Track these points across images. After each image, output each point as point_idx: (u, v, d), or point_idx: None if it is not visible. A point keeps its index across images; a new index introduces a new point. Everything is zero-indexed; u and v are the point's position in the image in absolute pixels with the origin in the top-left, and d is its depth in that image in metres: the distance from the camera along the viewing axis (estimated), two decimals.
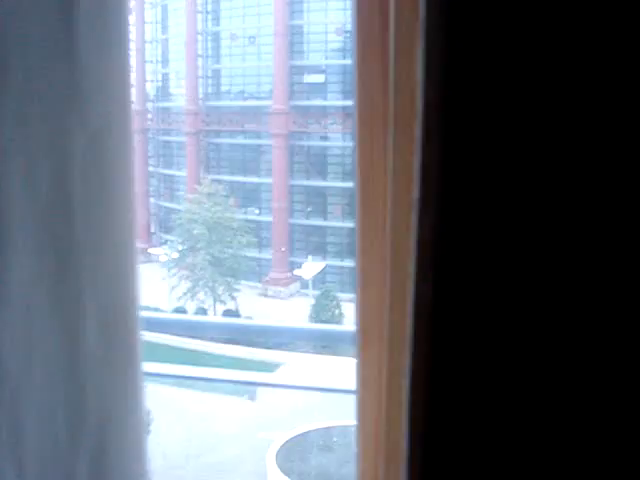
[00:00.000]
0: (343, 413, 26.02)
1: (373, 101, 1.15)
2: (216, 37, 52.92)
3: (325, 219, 51.74)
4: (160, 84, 56.95)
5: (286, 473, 24.56)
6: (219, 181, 45.75)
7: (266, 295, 46.55)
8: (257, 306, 41.54)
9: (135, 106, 56.51)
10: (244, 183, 50.67)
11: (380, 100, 1.14)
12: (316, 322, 36.80)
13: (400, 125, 1.12)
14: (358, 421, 1.25)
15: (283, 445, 26.26)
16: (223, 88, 53.17)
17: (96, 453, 2.09)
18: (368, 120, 1.16)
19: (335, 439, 26.51)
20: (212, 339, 33.80)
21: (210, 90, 52.80)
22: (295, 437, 26.65)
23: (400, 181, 1.12)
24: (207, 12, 52.20)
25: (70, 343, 1.99)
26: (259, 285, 47.74)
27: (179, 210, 47.54)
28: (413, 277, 1.09)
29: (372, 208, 1.14)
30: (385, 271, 1.15)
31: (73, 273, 2.01)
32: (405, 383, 1.14)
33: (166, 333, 31.83)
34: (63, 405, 2.02)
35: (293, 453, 25.85)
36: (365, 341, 1.18)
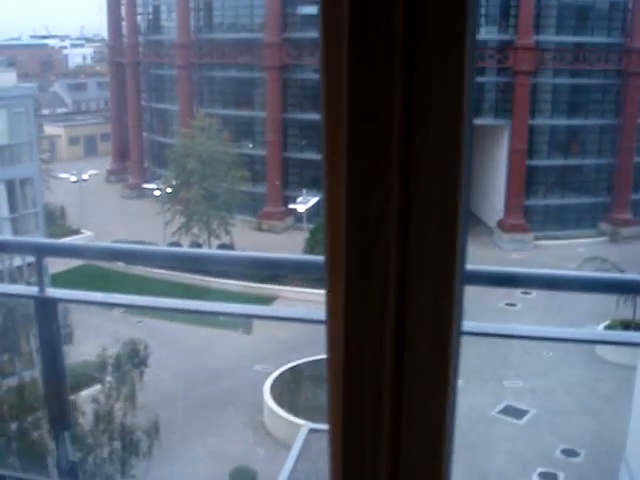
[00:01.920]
0: None
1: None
2: None
3: (319, 152, 51.29)
4: (151, 17, 56.14)
5: (281, 404, 25.00)
6: (212, 115, 45.46)
7: (260, 229, 46.77)
8: (252, 240, 41.74)
9: (126, 39, 55.73)
10: (237, 117, 50.39)
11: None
12: (311, 255, 37.01)
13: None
14: (328, 349, 1.26)
15: (278, 377, 26.65)
16: (215, 20, 52.43)
17: None
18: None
19: None
20: (206, 273, 34.02)
21: (202, 23, 52.07)
22: (290, 369, 27.04)
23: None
24: None
25: None
26: (253, 219, 47.98)
27: (172, 145, 47.37)
28: None
29: (339, 152, 1.15)
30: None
31: None
32: None
33: (162, 267, 31.94)
34: None
35: (288, 385, 26.25)
36: (334, 270, 1.20)
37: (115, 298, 3.82)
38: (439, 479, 1.26)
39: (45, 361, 3.56)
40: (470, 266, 2.69)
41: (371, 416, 1.23)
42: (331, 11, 1.10)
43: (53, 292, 3.46)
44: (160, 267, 32.68)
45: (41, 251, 3.60)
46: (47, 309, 3.41)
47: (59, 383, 3.57)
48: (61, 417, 3.62)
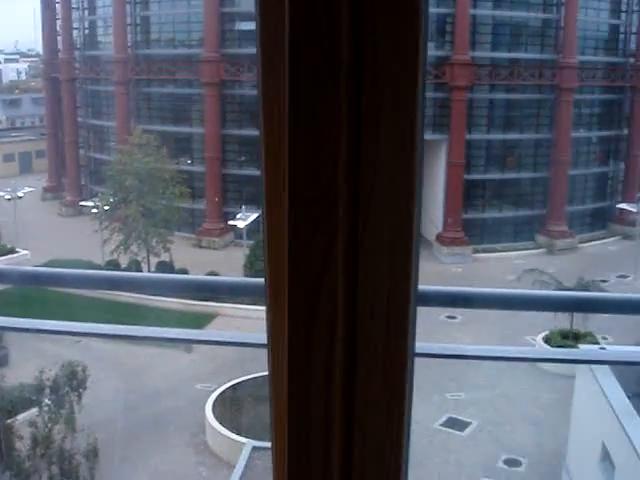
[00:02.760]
0: None
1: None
2: None
3: (258, 169, 51.20)
4: (87, 32, 55.45)
5: (223, 423, 24.74)
6: (150, 131, 44.97)
7: (200, 246, 46.35)
8: (191, 257, 41.34)
9: (62, 55, 54.94)
10: (176, 133, 49.97)
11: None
12: (251, 272, 36.87)
13: None
14: (270, 369, 1.22)
15: (220, 395, 26.40)
16: (152, 36, 52.02)
17: None
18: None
19: None
20: (147, 291, 33.60)
21: (139, 38, 51.59)
22: (232, 387, 26.81)
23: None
24: None
25: None
26: (193, 236, 47.55)
27: (110, 161, 46.74)
28: None
29: (277, 163, 1.09)
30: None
31: None
32: None
33: (102, 289, 31.45)
34: None
35: (231, 403, 26.02)
36: (274, 292, 1.15)
37: (48, 325, 3.69)
38: None
39: None
40: (421, 286, 2.66)
41: (320, 439, 1.19)
42: (269, 38, 1.05)
43: None
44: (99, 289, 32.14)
45: None
46: None
47: None
48: None
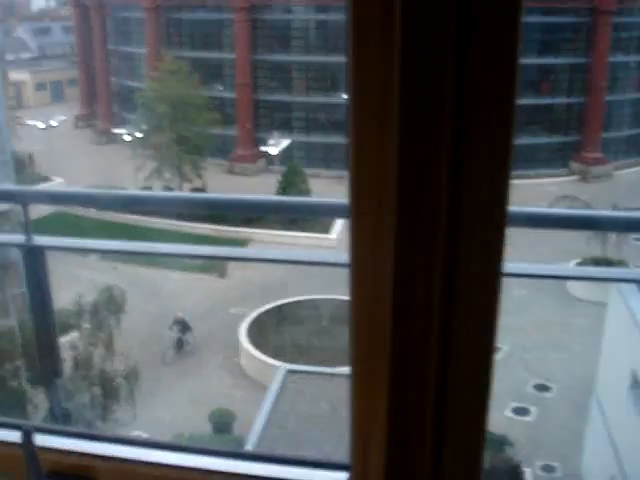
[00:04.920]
0: (311, 288, 26.46)
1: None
2: None
3: (290, 94, 51.18)
4: None
5: (257, 346, 25.19)
6: (181, 58, 44.68)
7: (233, 172, 46.45)
8: (224, 183, 41.49)
9: None
10: (207, 59, 49.57)
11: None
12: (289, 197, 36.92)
13: None
14: (352, 292, 1.28)
15: (254, 319, 26.81)
16: None
17: None
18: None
19: (305, 312, 27.10)
20: (177, 217, 33.85)
21: None
22: (265, 311, 27.19)
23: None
24: None
25: None
26: (225, 162, 47.64)
27: (141, 89, 46.60)
28: None
29: (368, 89, 1.15)
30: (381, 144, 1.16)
31: None
32: None
33: (134, 212, 31.72)
34: None
35: (264, 327, 26.42)
36: (359, 214, 1.21)
37: (103, 244, 3.82)
38: (483, 412, 1.30)
39: (34, 309, 3.57)
40: None
41: (419, 351, 1.25)
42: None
43: (40, 240, 3.45)
44: (132, 212, 32.52)
45: (27, 198, 3.58)
46: (35, 257, 3.41)
47: (48, 331, 3.59)
48: (52, 365, 3.64)
